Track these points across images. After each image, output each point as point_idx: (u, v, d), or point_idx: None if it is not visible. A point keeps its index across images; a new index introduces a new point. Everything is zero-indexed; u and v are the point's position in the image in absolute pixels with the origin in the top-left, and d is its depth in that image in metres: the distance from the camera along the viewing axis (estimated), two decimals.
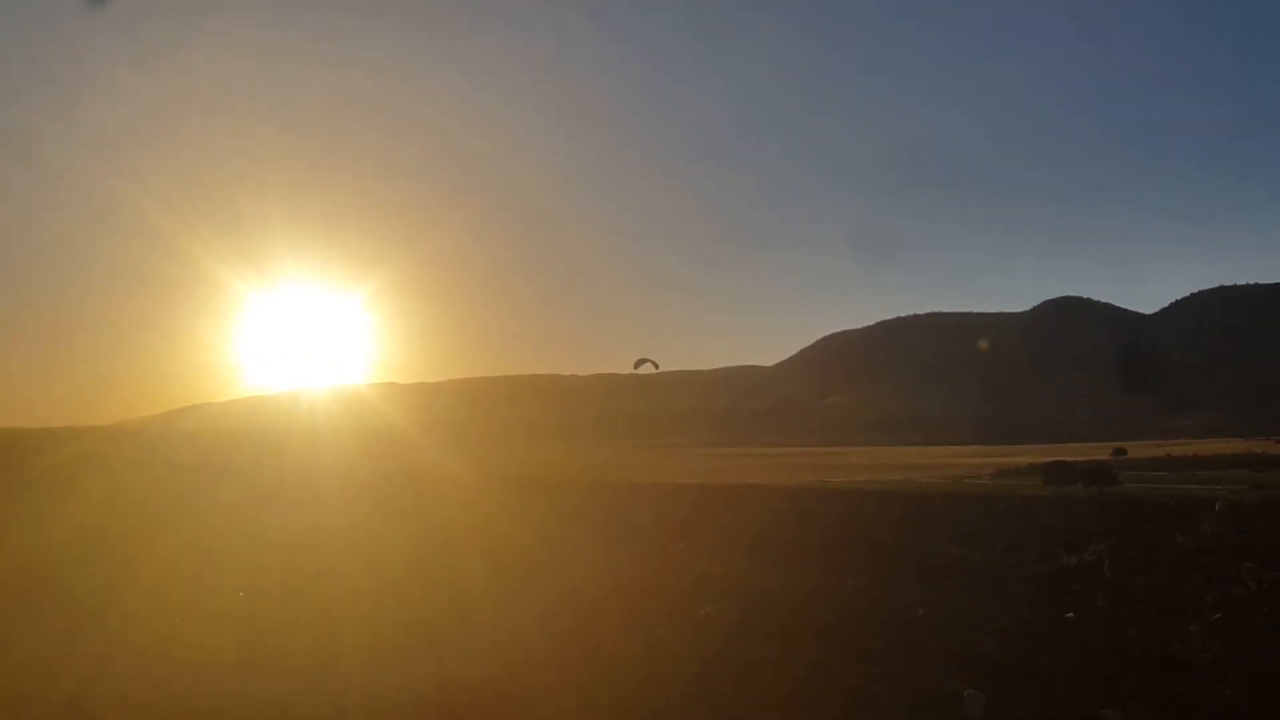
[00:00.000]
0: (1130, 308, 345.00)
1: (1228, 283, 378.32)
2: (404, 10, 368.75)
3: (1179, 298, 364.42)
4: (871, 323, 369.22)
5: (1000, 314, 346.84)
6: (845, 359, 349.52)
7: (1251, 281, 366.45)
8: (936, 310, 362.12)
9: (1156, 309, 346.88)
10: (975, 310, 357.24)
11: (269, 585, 12.40)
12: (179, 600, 11.30)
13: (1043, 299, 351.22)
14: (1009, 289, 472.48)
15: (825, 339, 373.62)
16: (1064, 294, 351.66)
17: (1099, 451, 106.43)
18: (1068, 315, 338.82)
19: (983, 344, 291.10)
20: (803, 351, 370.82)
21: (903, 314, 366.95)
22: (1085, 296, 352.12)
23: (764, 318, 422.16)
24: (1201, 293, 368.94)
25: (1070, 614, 10.51)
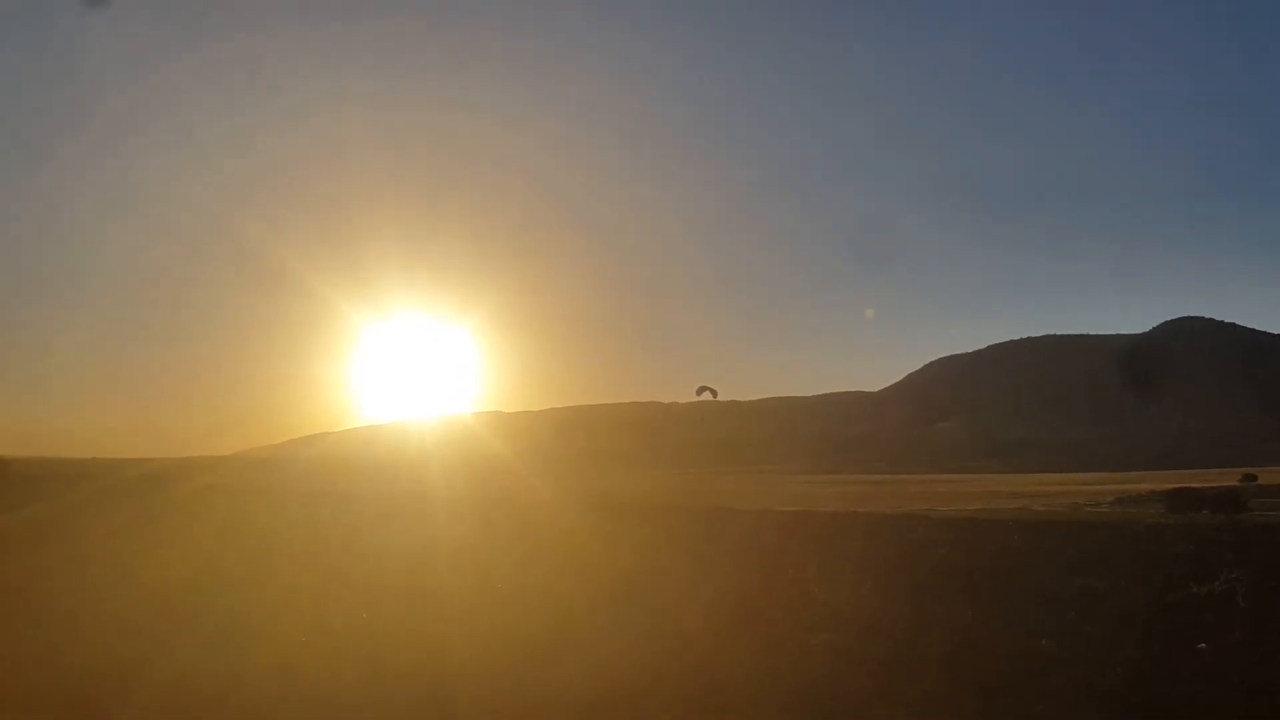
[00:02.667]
0: (1254, 326, 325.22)
1: None
2: (505, 54, 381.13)
3: None
4: (981, 346, 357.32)
5: (1116, 335, 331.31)
6: (954, 384, 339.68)
7: None
8: (1050, 333, 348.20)
9: None
10: (1090, 332, 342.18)
11: (388, 603, 12.87)
12: (304, 620, 11.77)
13: (1161, 319, 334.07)
14: (1125, 309, 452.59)
15: (932, 363, 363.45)
16: (1183, 313, 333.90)
17: (1225, 477, 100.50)
18: (1187, 335, 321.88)
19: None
20: (909, 376, 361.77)
21: (1014, 336, 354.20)
22: (1205, 316, 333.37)
23: (869, 342, 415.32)
24: None
25: (1202, 645, 10.01)
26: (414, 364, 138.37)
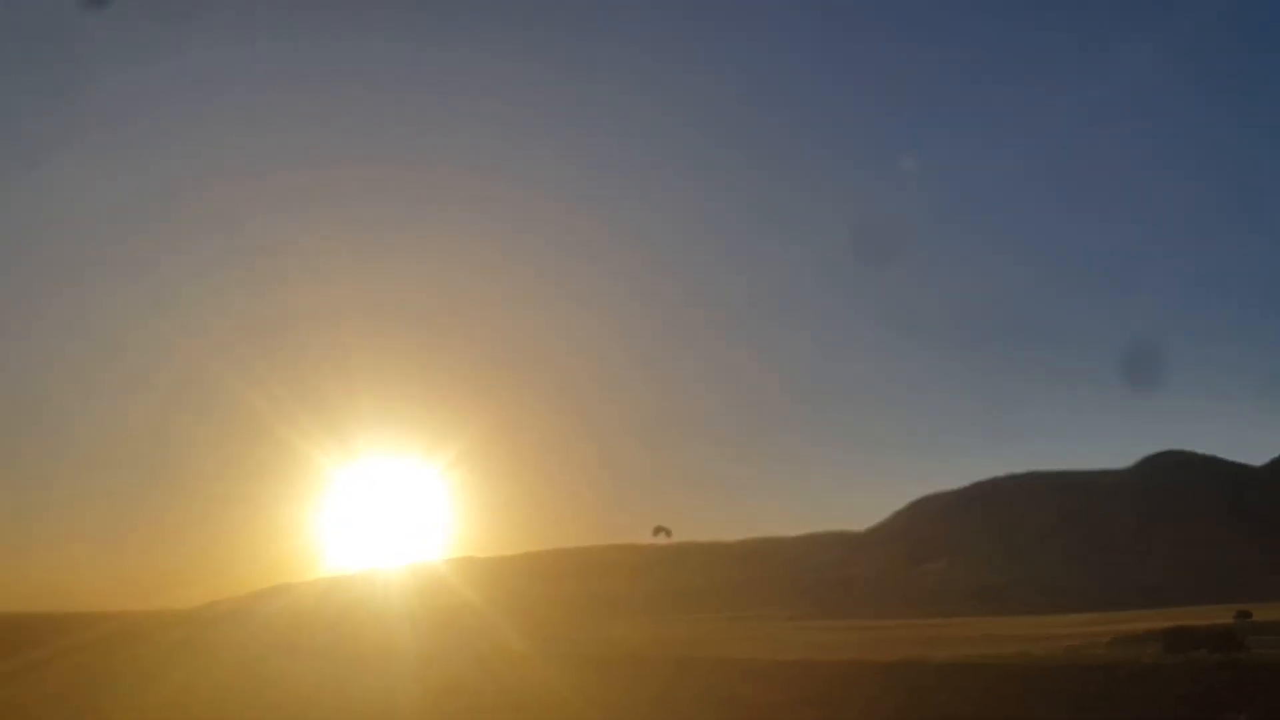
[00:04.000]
0: (1238, 459, 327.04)
1: None
2: (475, 192, 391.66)
3: None
4: (966, 484, 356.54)
5: (1101, 471, 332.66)
6: (940, 523, 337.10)
7: None
8: (1034, 469, 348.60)
9: (1266, 460, 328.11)
10: (1074, 468, 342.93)
11: None
12: None
13: (1143, 454, 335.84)
14: (1106, 445, 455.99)
15: (917, 502, 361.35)
16: (1167, 448, 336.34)
17: (1220, 614, 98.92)
18: (1173, 471, 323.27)
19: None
20: (895, 515, 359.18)
21: (997, 474, 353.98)
22: (1190, 450, 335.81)
23: (852, 481, 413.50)
24: None
25: None
26: (383, 509, 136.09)
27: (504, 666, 26.61)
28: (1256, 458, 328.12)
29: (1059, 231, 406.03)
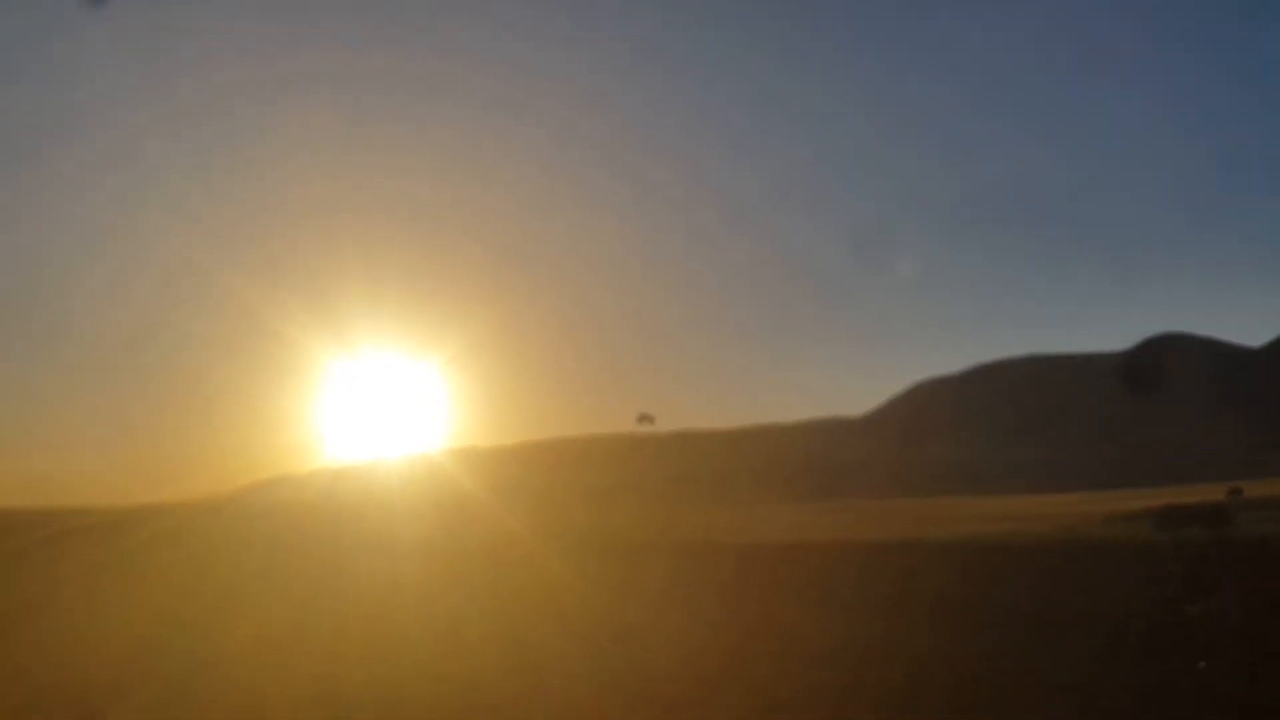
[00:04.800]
0: (1236, 341, 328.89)
1: None
2: (473, 85, 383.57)
3: None
4: (964, 368, 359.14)
5: (1097, 354, 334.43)
6: (938, 407, 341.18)
7: None
8: (1031, 353, 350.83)
9: (1264, 342, 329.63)
10: (1071, 351, 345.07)
11: (351, 653, 12.61)
12: (265, 671, 11.57)
13: (1140, 336, 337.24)
14: (1105, 327, 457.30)
15: (915, 387, 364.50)
16: (1163, 330, 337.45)
17: (1214, 492, 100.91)
18: (1168, 351, 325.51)
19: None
20: (892, 400, 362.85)
21: (995, 357, 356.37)
22: (1187, 332, 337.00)
23: (848, 366, 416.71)
24: None
25: (1202, 664, 9.94)
26: (382, 401, 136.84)
27: (506, 553, 27.17)
28: (1255, 339, 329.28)
29: (1062, 114, 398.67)
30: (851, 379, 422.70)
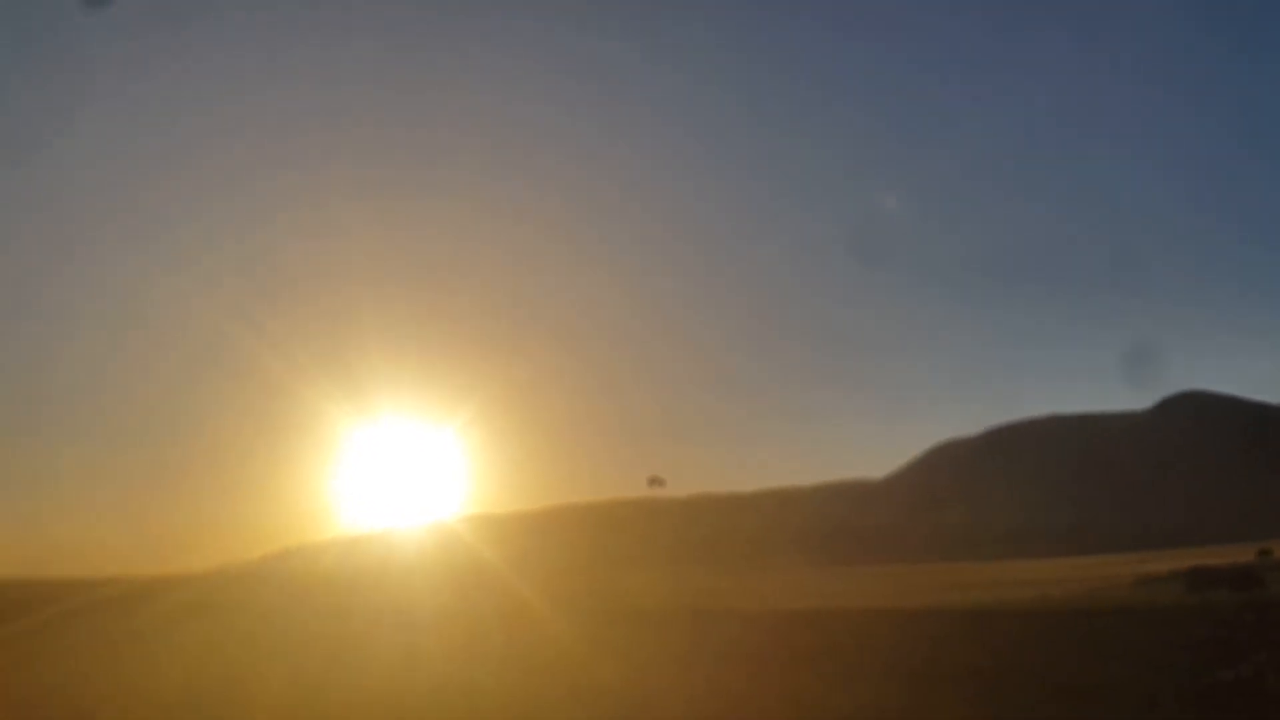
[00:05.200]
0: (1257, 398, 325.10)
1: None
2: (495, 147, 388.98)
3: None
4: (983, 429, 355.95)
5: (1120, 413, 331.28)
6: (958, 469, 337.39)
7: None
8: (1053, 412, 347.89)
9: None
10: (1092, 410, 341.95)
11: (370, 715, 13.03)
12: None
13: (1163, 395, 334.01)
14: (1126, 387, 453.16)
15: (935, 449, 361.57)
16: (1186, 388, 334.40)
17: (1241, 553, 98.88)
18: (1191, 410, 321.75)
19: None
20: (912, 463, 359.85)
21: (1015, 418, 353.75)
22: (1208, 390, 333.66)
23: (867, 428, 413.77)
24: None
25: None
26: (398, 467, 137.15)
27: (522, 623, 26.93)
28: (1276, 395, 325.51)
29: (1077, 174, 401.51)
30: (871, 441, 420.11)
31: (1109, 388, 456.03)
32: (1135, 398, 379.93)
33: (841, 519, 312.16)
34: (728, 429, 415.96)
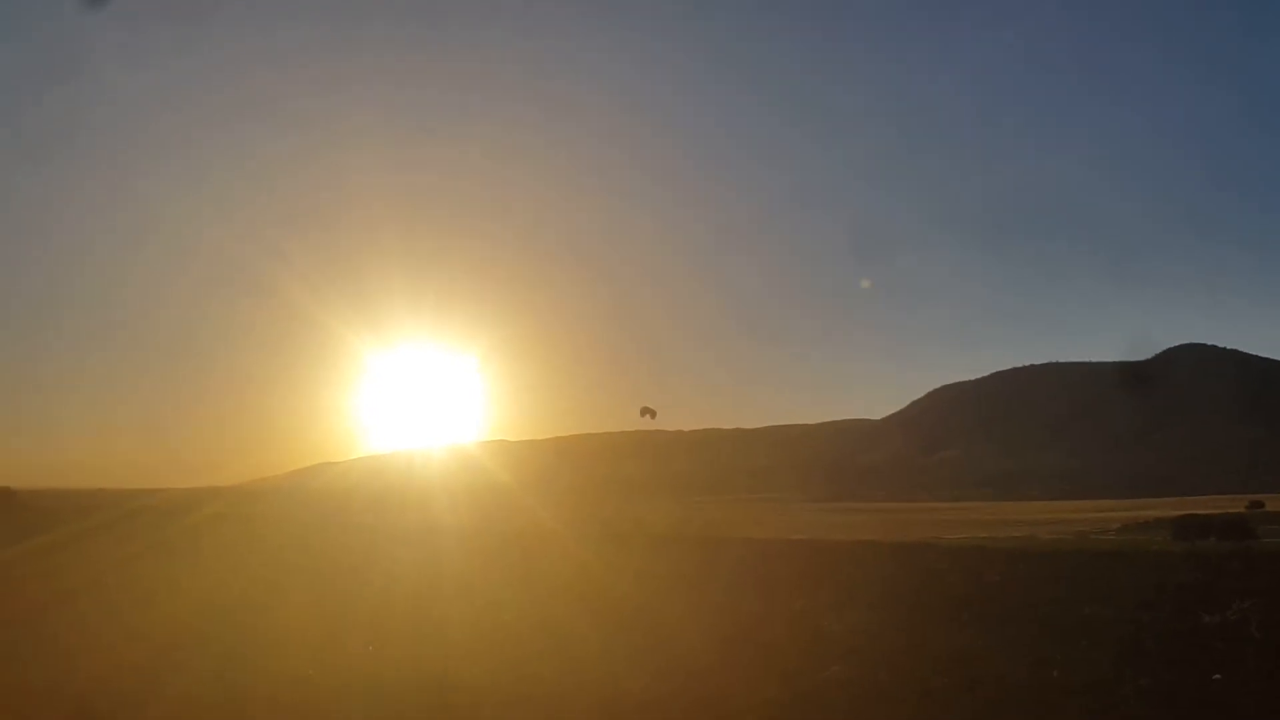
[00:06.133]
0: (1259, 353, 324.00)
1: None
2: (512, 82, 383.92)
3: None
4: (985, 374, 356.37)
5: (1119, 363, 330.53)
6: (958, 412, 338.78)
7: None
8: (1053, 360, 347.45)
9: None
10: (1093, 360, 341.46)
11: (394, 632, 13.05)
12: (310, 649, 11.92)
13: (1162, 346, 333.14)
14: (1127, 337, 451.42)
15: (936, 391, 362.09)
16: (1186, 341, 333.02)
17: (1232, 504, 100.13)
18: (1191, 362, 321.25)
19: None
20: (913, 404, 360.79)
21: (1015, 364, 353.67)
22: (1209, 343, 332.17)
23: (871, 369, 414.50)
24: None
25: (1217, 676, 9.93)
26: (418, 393, 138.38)
27: (537, 543, 27.60)
28: (1277, 351, 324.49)
29: (1088, 124, 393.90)
30: (873, 382, 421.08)
31: (1109, 338, 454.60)
32: (1135, 349, 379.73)
33: (843, 456, 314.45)
34: (737, 366, 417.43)
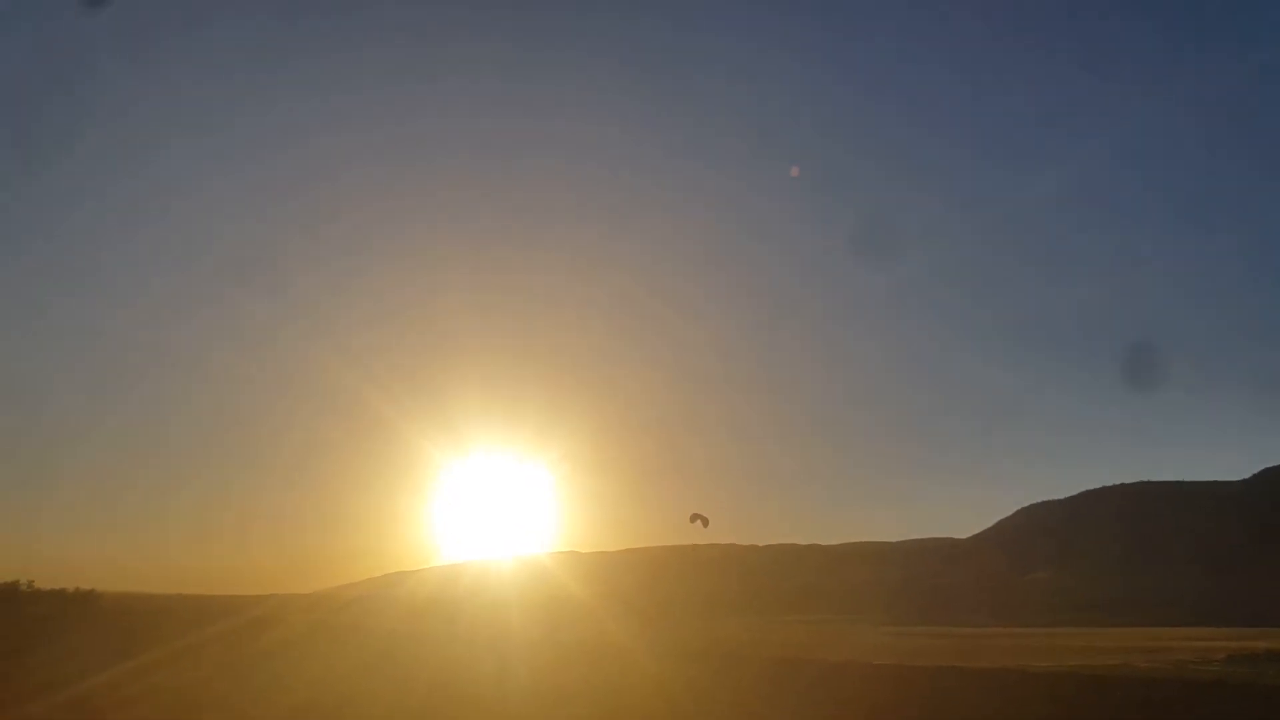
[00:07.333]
0: None
1: None
2: (580, 188, 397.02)
3: None
4: (1074, 493, 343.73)
5: (1214, 482, 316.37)
6: (1046, 532, 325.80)
7: None
8: (1144, 479, 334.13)
9: None
10: (1186, 479, 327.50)
11: None
12: None
13: (1261, 466, 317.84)
14: (1224, 455, 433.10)
15: (1024, 510, 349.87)
16: None
17: None
18: None
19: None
20: (999, 523, 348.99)
21: (1106, 483, 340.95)
22: None
23: (957, 487, 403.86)
24: None
25: None
26: (493, 502, 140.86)
27: (607, 657, 27.62)
28: None
29: (1179, 239, 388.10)
30: (959, 499, 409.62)
31: (1204, 456, 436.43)
32: (1231, 468, 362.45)
33: (926, 577, 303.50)
34: (820, 481, 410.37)
